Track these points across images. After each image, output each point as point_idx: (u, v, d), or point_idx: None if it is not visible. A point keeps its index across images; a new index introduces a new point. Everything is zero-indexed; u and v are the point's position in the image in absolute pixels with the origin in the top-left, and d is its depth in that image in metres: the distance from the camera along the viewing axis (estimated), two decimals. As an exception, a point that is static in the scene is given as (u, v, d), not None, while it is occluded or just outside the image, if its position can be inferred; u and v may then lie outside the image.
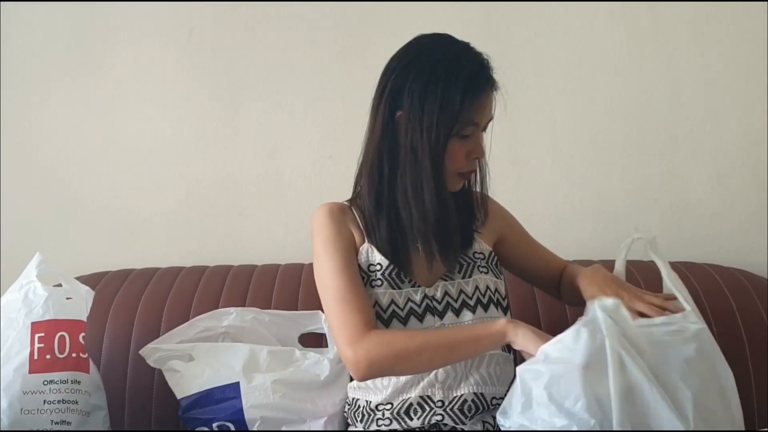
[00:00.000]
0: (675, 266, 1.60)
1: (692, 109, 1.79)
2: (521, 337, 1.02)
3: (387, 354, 1.06)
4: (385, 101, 1.12)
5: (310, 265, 1.25)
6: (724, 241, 1.75)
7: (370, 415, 1.17)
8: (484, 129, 1.16)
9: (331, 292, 1.12)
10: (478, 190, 1.23)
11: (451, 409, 1.12)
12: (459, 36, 1.16)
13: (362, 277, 1.16)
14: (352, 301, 1.10)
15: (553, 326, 1.29)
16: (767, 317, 1.50)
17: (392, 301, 1.14)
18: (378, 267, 1.16)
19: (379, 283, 1.15)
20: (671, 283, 1.09)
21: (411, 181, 1.11)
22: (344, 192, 1.27)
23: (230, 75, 1.85)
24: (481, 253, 1.23)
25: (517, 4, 1.81)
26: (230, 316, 1.45)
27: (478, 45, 1.14)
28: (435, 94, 1.07)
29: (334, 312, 1.10)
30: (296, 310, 1.51)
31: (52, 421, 1.28)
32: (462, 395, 1.13)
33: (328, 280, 1.13)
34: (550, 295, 1.33)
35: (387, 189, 1.14)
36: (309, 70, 1.83)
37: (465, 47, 1.13)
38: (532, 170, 1.80)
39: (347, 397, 1.26)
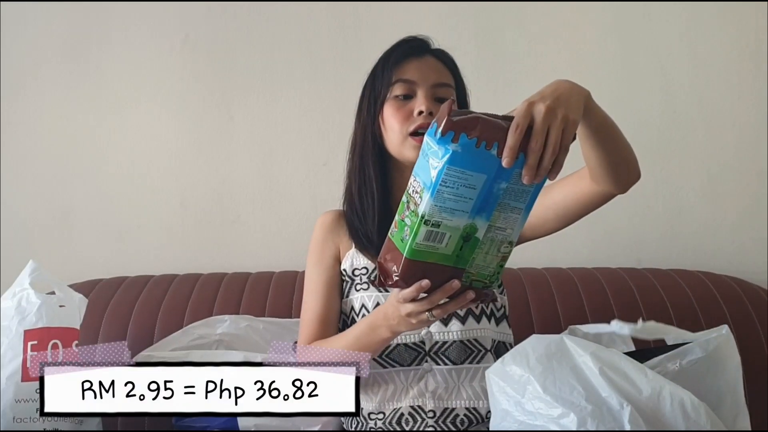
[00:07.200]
0: (668, 274, 1.62)
1: (685, 117, 1.80)
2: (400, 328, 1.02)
3: None
4: (357, 109, 1.24)
5: (304, 272, 1.26)
6: (716, 248, 1.75)
7: (363, 424, 1.16)
8: (440, 99, 1.14)
9: (303, 308, 1.22)
10: None
11: (444, 422, 1.12)
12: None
13: (347, 281, 1.19)
14: (305, 317, 1.20)
15: (547, 331, 1.29)
16: (760, 324, 1.51)
17: (378, 305, 1.14)
18: (364, 270, 1.18)
19: (365, 286, 1.17)
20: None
21: (358, 158, 1.20)
22: (339, 199, 1.28)
23: (225, 82, 1.85)
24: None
25: (509, 9, 1.82)
26: (224, 324, 1.44)
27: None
28: (372, 75, 1.21)
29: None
30: (290, 317, 1.51)
31: (45, 429, 1.28)
32: (454, 409, 1.12)
33: (305, 297, 1.22)
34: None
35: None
36: (304, 77, 1.84)
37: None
38: (525, 177, 1.81)
39: (342, 405, 1.26)
